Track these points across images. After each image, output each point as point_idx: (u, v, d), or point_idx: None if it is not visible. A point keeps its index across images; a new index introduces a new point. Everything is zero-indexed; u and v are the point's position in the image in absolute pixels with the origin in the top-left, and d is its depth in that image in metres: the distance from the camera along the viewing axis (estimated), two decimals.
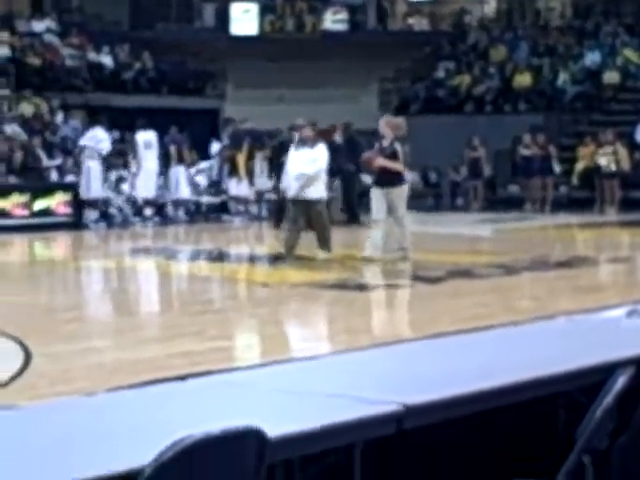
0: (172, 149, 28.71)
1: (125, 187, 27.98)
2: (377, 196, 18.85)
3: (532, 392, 4.79)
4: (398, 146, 18.78)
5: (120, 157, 28.29)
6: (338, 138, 26.69)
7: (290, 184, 19.52)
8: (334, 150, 25.27)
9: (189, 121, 31.11)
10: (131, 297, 16.93)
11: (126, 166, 28.32)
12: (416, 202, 32.18)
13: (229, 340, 12.58)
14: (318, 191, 19.22)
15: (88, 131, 27.69)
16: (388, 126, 19.31)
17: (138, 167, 27.77)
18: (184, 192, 28.58)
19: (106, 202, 27.42)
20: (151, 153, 27.58)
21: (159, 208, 28.32)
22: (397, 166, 18.69)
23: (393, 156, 18.84)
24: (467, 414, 4.56)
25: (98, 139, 27.03)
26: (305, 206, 19.16)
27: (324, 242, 18.95)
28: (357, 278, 16.87)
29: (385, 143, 19.01)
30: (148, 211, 27.99)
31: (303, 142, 19.96)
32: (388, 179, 18.77)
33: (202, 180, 29.42)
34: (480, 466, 4.94)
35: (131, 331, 12.79)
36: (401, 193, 18.86)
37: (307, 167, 19.13)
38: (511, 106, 35.19)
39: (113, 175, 28.00)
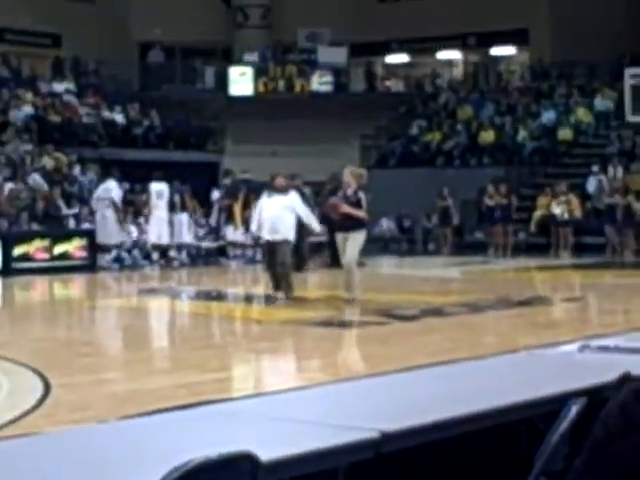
0: (176, 198, 28.34)
1: (135, 233, 27.51)
2: (341, 240, 18.62)
3: (496, 419, 4.74)
4: (362, 194, 18.53)
5: (131, 206, 27.96)
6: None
7: (263, 228, 18.98)
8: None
9: (192, 173, 31.02)
10: (140, 333, 16.53)
11: (137, 214, 27.90)
12: (391, 247, 32.86)
13: (226, 372, 12.35)
14: (285, 234, 18.62)
15: (102, 183, 27.43)
16: (352, 176, 18.93)
17: (150, 214, 27.42)
18: (186, 237, 28.22)
19: (118, 247, 26.88)
20: (162, 202, 27.26)
21: (163, 251, 27.84)
22: (360, 213, 18.42)
23: (357, 204, 18.51)
24: (438, 439, 4.47)
25: (111, 190, 26.74)
26: (274, 247, 18.77)
27: (285, 283, 18.50)
28: (339, 316, 16.38)
29: (349, 192, 18.65)
30: (155, 255, 27.52)
31: (276, 190, 19.38)
32: (350, 225, 18.44)
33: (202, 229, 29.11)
34: (463, 478, 4.81)
35: (140, 364, 12.68)
36: (359, 238, 18.51)
37: (281, 212, 18.65)
38: (476, 160, 34.80)
39: (125, 222, 27.33)
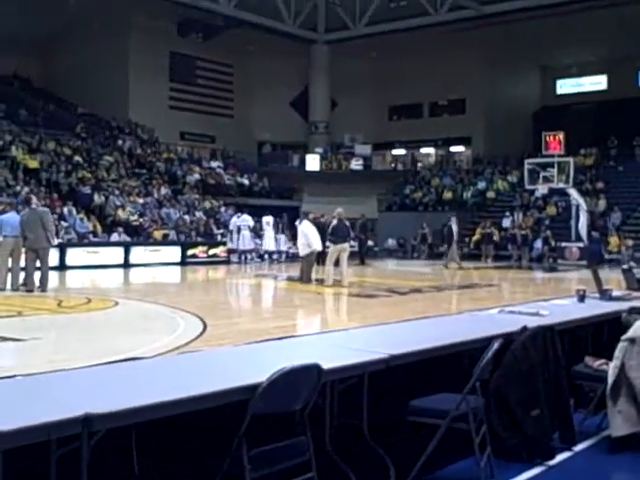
0: (279, 225, 28.20)
1: (254, 244, 27.07)
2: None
3: (452, 350, 4.68)
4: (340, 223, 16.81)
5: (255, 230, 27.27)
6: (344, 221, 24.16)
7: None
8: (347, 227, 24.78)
9: (285, 211, 30.68)
10: (256, 297, 16.21)
11: (259, 236, 27.43)
12: (394, 254, 32.51)
13: (303, 320, 12.01)
14: (304, 249, 17.14)
15: (237, 217, 26.90)
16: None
17: (264, 234, 27.17)
18: (283, 247, 27.87)
19: (250, 251, 26.77)
20: (269, 227, 26.95)
21: (270, 254, 27.41)
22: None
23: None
24: (422, 359, 4.47)
25: (246, 220, 26.34)
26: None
27: (307, 277, 17.17)
28: (364, 291, 15.61)
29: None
30: (266, 256, 27.34)
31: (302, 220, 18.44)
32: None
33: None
34: (428, 384, 4.66)
35: (255, 314, 12.42)
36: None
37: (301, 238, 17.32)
38: (441, 208, 34.09)
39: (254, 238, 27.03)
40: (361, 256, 25.88)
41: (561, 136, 27.56)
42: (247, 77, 39.81)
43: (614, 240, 27.34)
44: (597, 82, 40.36)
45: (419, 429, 4.31)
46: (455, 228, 24.80)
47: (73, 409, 2.77)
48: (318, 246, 17.32)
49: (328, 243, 17.32)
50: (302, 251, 17.29)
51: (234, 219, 27.08)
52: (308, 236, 17.12)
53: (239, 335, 8.92)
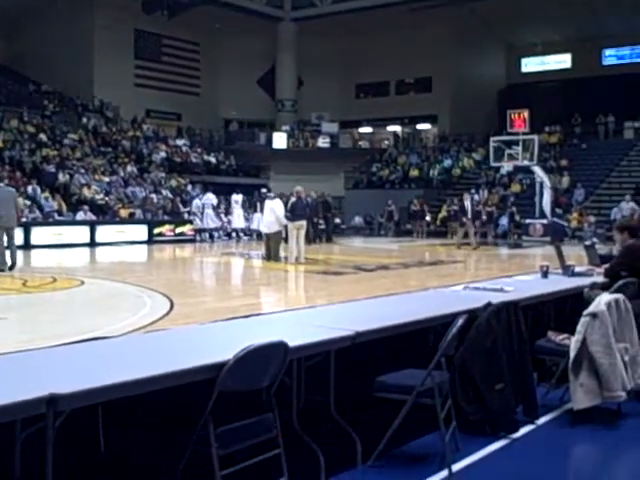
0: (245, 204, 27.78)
1: (220, 222, 27.07)
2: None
3: (417, 326, 4.67)
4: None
5: (219, 208, 27.32)
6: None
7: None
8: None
9: (251, 190, 30.06)
10: (222, 276, 16.06)
11: (226, 213, 27.45)
12: (361, 232, 32.29)
13: (269, 297, 12.01)
14: (272, 226, 17.10)
15: (204, 195, 27.09)
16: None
17: (230, 212, 27.21)
18: (251, 225, 27.11)
19: (213, 229, 26.74)
20: (238, 205, 26.90)
21: (238, 232, 27.24)
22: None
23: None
24: (389, 336, 4.47)
25: (210, 198, 26.51)
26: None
27: (275, 255, 17.21)
28: (330, 269, 15.70)
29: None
30: (234, 234, 27.29)
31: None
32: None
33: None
34: (394, 360, 4.67)
35: (222, 292, 12.30)
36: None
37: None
38: (407, 185, 34.29)
39: (217, 216, 27.02)
40: (312, 236, 25.00)
41: (526, 114, 27.67)
42: (213, 55, 39.54)
43: (575, 216, 27.59)
44: (561, 61, 40.63)
45: (385, 405, 4.32)
46: (468, 205, 23.27)
47: (38, 389, 2.75)
48: (285, 223, 17.41)
49: (286, 221, 17.36)
50: (270, 228, 17.21)
51: (196, 201, 27.03)
52: (277, 213, 17.12)
53: (206, 314, 8.87)
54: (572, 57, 39.98)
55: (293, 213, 17.03)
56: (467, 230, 23.25)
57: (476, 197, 30.02)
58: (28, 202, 22.97)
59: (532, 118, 27.95)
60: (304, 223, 17.25)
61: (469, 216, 23.17)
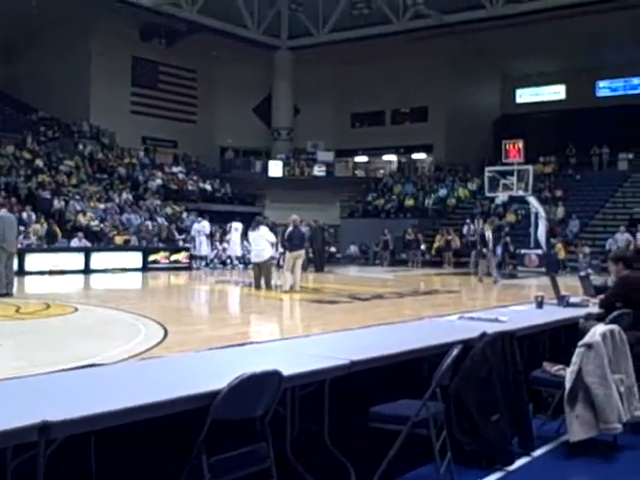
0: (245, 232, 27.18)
1: (216, 251, 27.13)
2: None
3: (412, 355, 4.70)
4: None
5: (214, 236, 27.47)
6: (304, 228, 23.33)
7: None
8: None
9: (248, 218, 27.86)
10: (217, 303, 16.16)
11: (221, 241, 27.43)
12: (356, 261, 32.43)
13: (264, 326, 11.96)
14: (263, 255, 16.93)
15: (198, 222, 26.94)
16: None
17: (230, 239, 26.65)
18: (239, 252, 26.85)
19: (207, 257, 26.70)
20: (237, 233, 26.31)
21: (237, 259, 26.85)
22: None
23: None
24: (383, 365, 4.47)
25: (204, 226, 26.42)
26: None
27: (267, 283, 16.98)
28: (325, 297, 15.66)
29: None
30: (228, 261, 27.01)
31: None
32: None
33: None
34: (388, 390, 4.66)
35: (217, 321, 12.24)
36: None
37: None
38: (402, 215, 34.22)
39: (213, 244, 27.11)
40: (316, 264, 25.69)
41: (520, 144, 27.83)
42: (210, 82, 39.75)
43: (560, 247, 27.40)
44: (556, 92, 40.96)
45: (380, 435, 4.29)
46: (489, 235, 21.52)
47: (30, 416, 2.73)
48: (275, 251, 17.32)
49: (282, 249, 17.22)
50: (261, 257, 17.08)
51: (195, 225, 27.00)
52: (268, 238, 17.14)
53: (200, 342, 8.89)
54: (566, 88, 40.29)
55: (290, 242, 16.85)
56: (487, 263, 21.54)
57: (471, 227, 30.15)
58: (22, 228, 22.92)
59: (527, 148, 28.12)
60: (302, 253, 17.21)
61: (490, 247, 21.42)
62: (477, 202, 33.87)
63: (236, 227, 26.79)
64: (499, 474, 4.67)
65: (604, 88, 39.52)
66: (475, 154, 36.89)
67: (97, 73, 35.08)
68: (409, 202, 35.56)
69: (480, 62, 38.17)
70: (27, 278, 20.13)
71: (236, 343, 6.57)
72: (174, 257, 25.78)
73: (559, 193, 32.61)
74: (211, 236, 27.05)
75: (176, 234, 27.60)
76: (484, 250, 21.53)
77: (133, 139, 35.52)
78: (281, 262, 23.18)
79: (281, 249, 17.22)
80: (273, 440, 3.65)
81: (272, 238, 17.28)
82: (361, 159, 42.79)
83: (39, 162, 28.80)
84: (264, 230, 17.41)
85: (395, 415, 4.23)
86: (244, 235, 26.97)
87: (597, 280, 10.48)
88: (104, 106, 34.41)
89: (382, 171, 40.87)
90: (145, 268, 24.42)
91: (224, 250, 27.26)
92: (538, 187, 31.54)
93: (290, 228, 17.15)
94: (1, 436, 2.61)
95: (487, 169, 28.82)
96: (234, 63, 37.95)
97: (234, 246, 26.68)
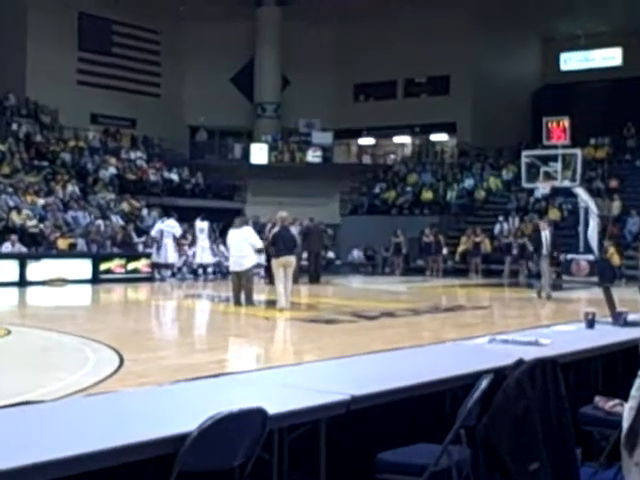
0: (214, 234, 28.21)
1: (184, 257, 27.33)
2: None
3: (430, 389, 4.71)
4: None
5: (186, 239, 27.62)
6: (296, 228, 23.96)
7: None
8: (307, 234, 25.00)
9: (223, 216, 29.40)
10: (185, 324, 16.14)
11: (191, 245, 27.62)
12: (360, 269, 32.65)
13: (244, 352, 12.23)
14: (244, 262, 17.14)
15: (160, 221, 27.15)
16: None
17: (195, 244, 27.21)
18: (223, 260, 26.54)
19: (173, 265, 26.81)
20: (203, 235, 26.97)
21: (204, 268, 27.56)
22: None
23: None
24: (391, 401, 4.49)
25: (171, 226, 26.37)
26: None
27: (249, 297, 17.19)
28: (321, 315, 15.88)
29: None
30: (200, 271, 27.50)
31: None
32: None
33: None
34: (400, 432, 4.71)
35: (185, 346, 12.34)
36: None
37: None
38: (419, 211, 34.72)
39: (181, 249, 27.25)
40: (310, 274, 25.77)
41: (566, 122, 27.92)
42: (177, 46, 39.82)
43: (612, 251, 27.51)
44: (610, 56, 41.08)
45: None
46: (547, 236, 20.85)
47: None
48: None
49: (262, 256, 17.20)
50: (243, 265, 17.17)
51: (158, 224, 27.17)
52: (251, 241, 17.15)
53: (165, 372, 9.01)
54: (623, 52, 40.40)
55: (276, 246, 16.81)
56: (542, 271, 21.07)
57: (505, 226, 30.30)
58: None
59: (574, 128, 28.19)
60: (292, 259, 16.99)
61: (545, 252, 20.77)
62: (512, 195, 34.16)
63: (201, 228, 27.09)
64: None
65: None
66: (509, 135, 37.15)
67: (34, 34, 35.05)
68: (427, 195, 35.82)
69: (516, 20, 38.23)
70: None
71: (210, 374, 6.69)
72: (132, 265, 25.97)
73: (614, 183, 32.80)
74: (179, 239, 27.19)
75: (134, 237, 27.71)
76: (535, 255, 21.26)
77: (80, 117, 35.55)
78: (262, 273, 23.66)
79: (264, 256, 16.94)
80: None
81: (258, 243, 17.31)
82: (366, 141, 42.98)
83: None
84: (248, 231, 17.50)
85: (409, 464, 4.23)
86: (221, 237, 27.49)
87: None
88: (43, 76, 34.34)
89: (393, 156, 41.10)
90: (95, 279, 24.52)
91: (194, 256, 27.52)
92: (588, 176, 31.78)
93: (276, 229, 17.16)
94: None
95: (524, 154, 28.97)
96: (207, 22, 38.10)
97: (200, 252, 27.00)
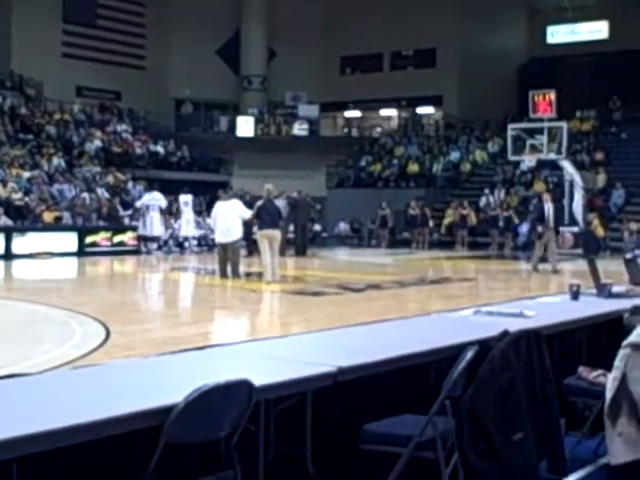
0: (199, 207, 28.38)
1: (170, 230, 27.23)
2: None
3: (415, 360, 4.70)
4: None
5: (170, 211, 27.66)
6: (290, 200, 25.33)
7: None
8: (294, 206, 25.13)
9: (209, 189, 30.45)
10: (172, 297, 16.21)
11: (176, 218, 27.56)
12: (346, 242, 32.71)
13: (230, 324, 12.24)
14: (232, 234, 17.23)
15: (147, 194, 27.04)
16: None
17: (180, 217, 27.22)
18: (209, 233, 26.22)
19: (159, 238, 26.74)
20: (188, 208, 27.03)
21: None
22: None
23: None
24: (378, 373, 4.48)
25: (157, 199, 26.29)
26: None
27: (235, 270, 17.25)
28: (308, 288, 15.90)
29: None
30: (186, 244, 27.33)
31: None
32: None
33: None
34: (386, 403, 4.73)
35: (171, 318, 12.44)
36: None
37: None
38: (405, 184, 34.77)
39: (167, 222, 27.17)
40: (297, 246, 25.90)
41: (552, 95, 27.95)
42: (163, 18, 39.67)
43: (596, 223, 27.61)
44: (597, 29, 41.06)
45: (375, 459, 4.31)
46: (550, 208, 20.35)
47: None
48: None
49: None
50: (230, 237, 17.16)
51: (145, 196, 27.08)
52: (240, 213, 17.18)
53: (151, 344, 9.03)
54: (609, 25, 40.38)
55: (260, 219, 16.76)
56: (546, 244, 20.43)
57: (491, 199, 30.37)
58: None
59: (560, 100, 28.22)
60: (277, 233, 16.93)
61: (551, 224, 20.22)
62: (498, 168, 34.25)
63: (185, 201, 27.08)
64: None
65: None
66: (495, 108, 37.18)
67: (19, 6, 34.85)
68: (413, 168, 35.88)
69: None
70: None
71: (195, 346, 6.55)
72: (118, 238, 26.01)
73: (600, 156, 32.90)
74: (166, 212, 27.16)
75: (120, 209, 27.71)
76: (539, 228, 20.45)
77: (65, 90, 35.35)
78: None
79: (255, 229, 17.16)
80: (242, 467, 3.65)
81: (246, 213, 17.27)
82: (353, 114, 43.01)
83: None
84: (236, 204, 17.55)
85: (394, 434, 4.24)
86: (207, 209, 27.43)
87: None
88: (28, 48, 34.19)
89: (379, 129, 41.14)
90: (81, 252, 24.54)
91: (180, 229, 27.54)
92: (574, 149, 31.85)
93: (260, 201, 17.11)
94: None
95: (510, 126, 29.06)
96: None
97: (185, 224, 26.97)
